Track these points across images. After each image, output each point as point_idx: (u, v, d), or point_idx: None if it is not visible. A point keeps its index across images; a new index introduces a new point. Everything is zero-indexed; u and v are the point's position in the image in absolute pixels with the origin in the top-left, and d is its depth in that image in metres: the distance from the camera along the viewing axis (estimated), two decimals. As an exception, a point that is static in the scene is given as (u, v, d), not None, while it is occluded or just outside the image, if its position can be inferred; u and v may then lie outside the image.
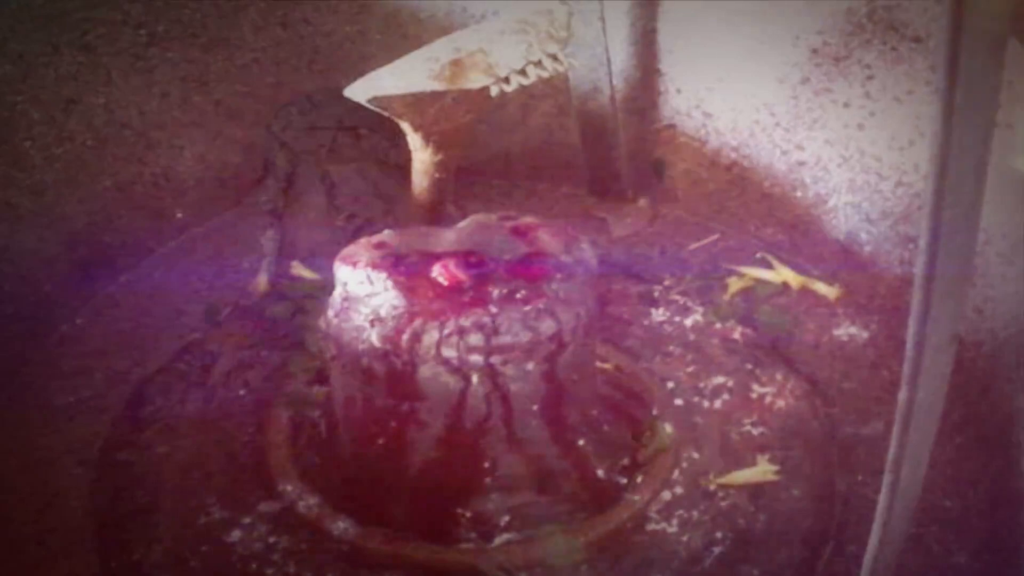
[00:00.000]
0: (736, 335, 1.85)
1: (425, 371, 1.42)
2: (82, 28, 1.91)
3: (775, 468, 1.61)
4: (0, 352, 1.78)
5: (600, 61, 2.02)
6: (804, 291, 1.94)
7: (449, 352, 1.40)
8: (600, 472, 1.57)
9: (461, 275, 1.45)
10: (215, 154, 2.16)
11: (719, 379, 1.76)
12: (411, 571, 1.47)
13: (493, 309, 1.41)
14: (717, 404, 1.72)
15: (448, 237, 1.54)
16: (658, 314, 1.90)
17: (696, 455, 1.63)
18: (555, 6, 1.69)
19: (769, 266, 1.98)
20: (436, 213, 1.78)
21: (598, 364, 1.66)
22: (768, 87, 1.98)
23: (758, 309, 1.90)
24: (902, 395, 0.96)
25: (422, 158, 1.73)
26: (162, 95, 2.06)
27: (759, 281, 1.95)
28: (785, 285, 1.95)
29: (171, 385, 1.77)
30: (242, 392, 1.76)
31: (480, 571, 1.47)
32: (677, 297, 1.93)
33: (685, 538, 1.52)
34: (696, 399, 1.73)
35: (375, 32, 2.17)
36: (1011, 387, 1.52)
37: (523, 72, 1.68)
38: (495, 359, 1.41)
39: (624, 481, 1.57)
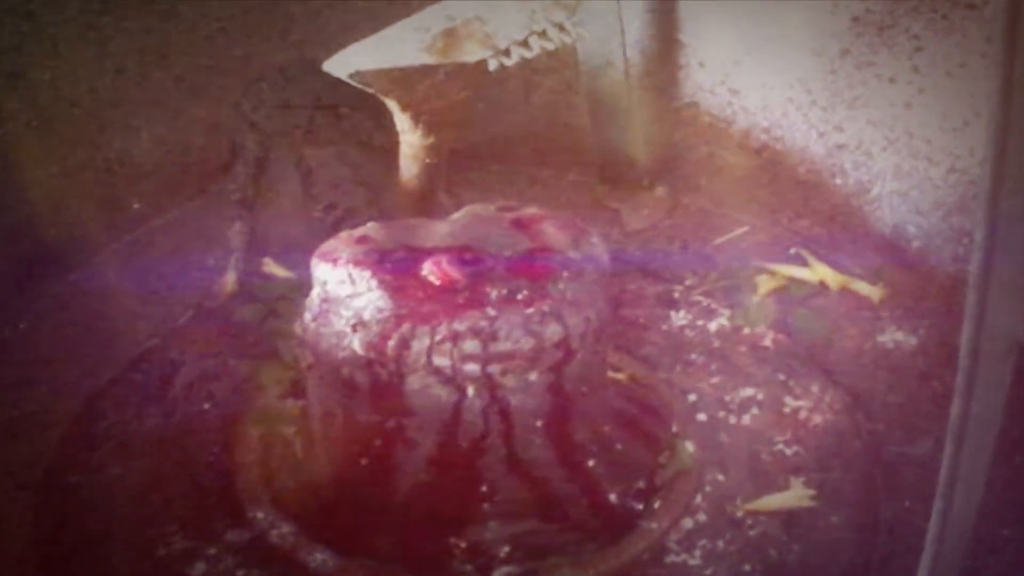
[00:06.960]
0: (767, 341, 1.85)
1: (414, 382, 1.42)
2: (25, -7, 1.92)
3: (811, 492, 1.61)
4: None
5: (612, 31, 2.02)
6: (844, 292, 1.94)
7: (441, 361, 1.40)
8: (612, 497, 1.57)
9: (455, 273, 1.46)
10: (176, 136, 2.16)
11: (747, 391, 1.77)
12: (398, 609, 1.47)
13: (491, 312, 1.41)
14: (745, 420, 1.72)
15: (440, 230, 1.54)
16: (678, 318, 1.90)
17: (721, 477, 1.63)
18: (561, -32, 1.70)
19: (805, 264, 1.98)
20: (427, 203, 1.78)
21: (610, 374, 1.66)
22: (803, 60, 1.98)
23: (792, 312, 1.90)
24: (955, 409, 0.96)
25: (411, 141, 1.73)
26: (116, 70, 2.06)
27: (793, 280, 1.96)
28: (822, 285, 1.95)
29: (126, 398, 1.77)
30: (206, 406, 1.76)
31: (476, 609, 1.47)
32: (700, 298, 1.94)
33: (709, 571, 1.52)
34: (721, 414, 1.73)
35: (358, -2, 2.17)
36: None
37: (525, 43, 1.68)
38: (493, 368, 1.41)
39: (640, 507, 1.57)
